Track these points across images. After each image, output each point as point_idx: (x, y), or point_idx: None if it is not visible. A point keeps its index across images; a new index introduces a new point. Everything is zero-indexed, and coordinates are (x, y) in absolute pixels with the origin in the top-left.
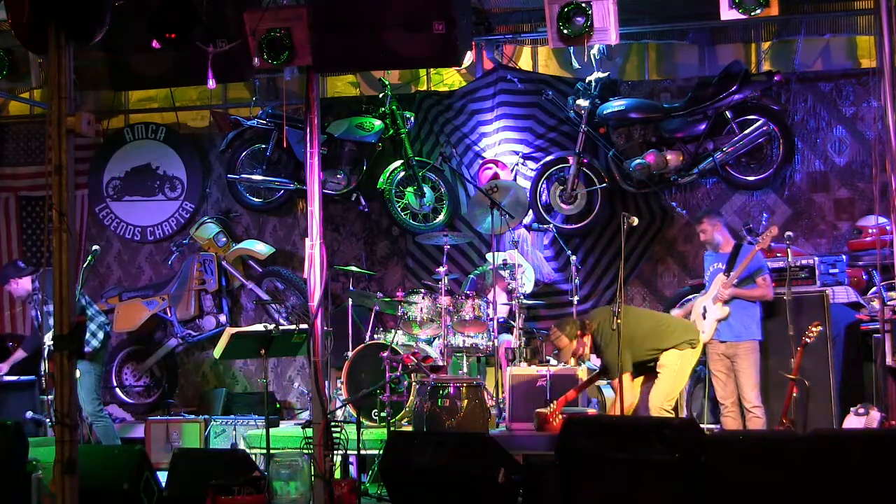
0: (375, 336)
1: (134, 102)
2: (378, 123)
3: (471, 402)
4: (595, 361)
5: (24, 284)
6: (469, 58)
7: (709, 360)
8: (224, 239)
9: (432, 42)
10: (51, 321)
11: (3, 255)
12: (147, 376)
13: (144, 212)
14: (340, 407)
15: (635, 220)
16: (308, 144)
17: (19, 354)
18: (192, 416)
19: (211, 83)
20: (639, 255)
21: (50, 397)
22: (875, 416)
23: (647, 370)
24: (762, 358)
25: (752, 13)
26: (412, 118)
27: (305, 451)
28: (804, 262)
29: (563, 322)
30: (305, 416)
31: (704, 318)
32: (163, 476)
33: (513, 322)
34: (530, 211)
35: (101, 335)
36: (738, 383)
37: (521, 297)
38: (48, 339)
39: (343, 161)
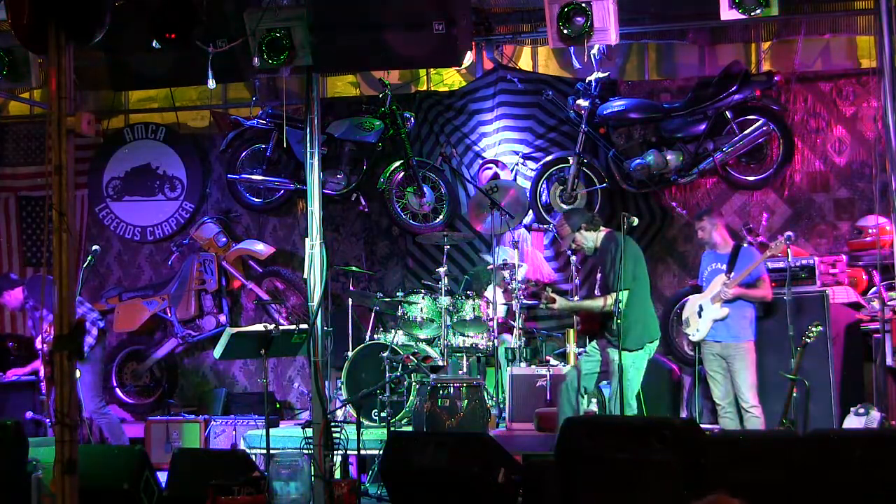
0: (375, 336)
1: (134, 102)
2: (378, 123)
3: (471, 402)
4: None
5: (15, 295)
6: (469, 58)
7: (704, 360)
8: (224, 239)
9: (432, 42)
10: (44, 326)
11: (3, 255)
12: (147, 376)
13: (144, 212)
14: (340, 407)
15: (635, 220)
16: (308, 144)
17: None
18: (192, 416)
19: (211, 83)
20: None
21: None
22: (875, 416)
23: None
24: (761, 358)
25: (752, 13)
26: (412, 118)
27: (305, 451)
28: (804, 262)
29: (573, 211)
30: (305, 416)
31: (700, 317)
32: (163, 476)
33: (513, 322)
34: (530, 211)
35: (94, 332)
36: (735, 384)
37: (521, 297)
38: (38, 343)
39: (343, 161)
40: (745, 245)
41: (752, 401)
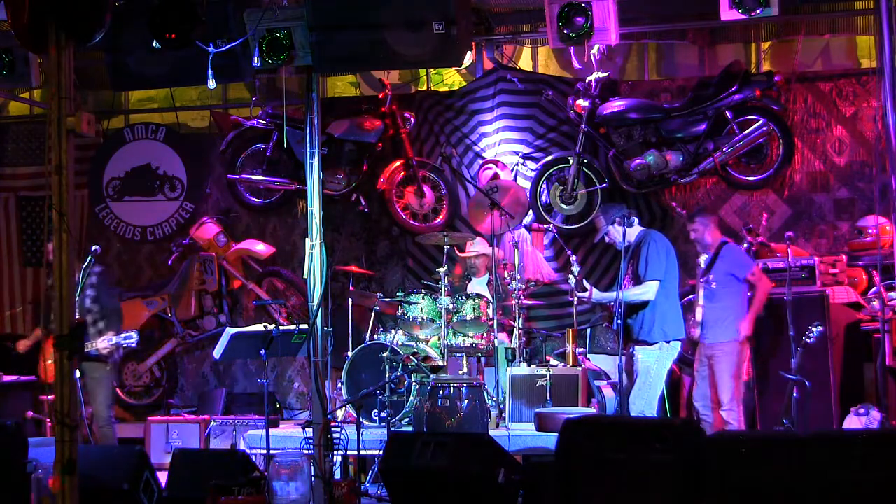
0: (375, 336)
1: (134, 102)
2: (378, 123)
3: (471, 402)
4: (602, 365)
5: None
6: (469, 58)
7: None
8: (224, 239)
9: (432, 42)
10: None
11: (3, 255)
12: (147, 376)
13: (144, 212)
14: (340, 407)
15: (635, 220)
16: (308, 144)
17: None
18: (192, 416)
19: (211, 83)
20: None
21: (51, 397)
22: (875, 416)
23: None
24: (762, 358)
25: (752, 13)
26: (412, 118)
27: (305, 452)
28: (804, 262)
29: (610, 206)
30: (305, 416)
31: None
32: (163, 476)
33: (513, 322)
34: (530, 211)
35: (121, 352)
36: (715, 384)
37: (521, 297)
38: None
39: (343, 161)
40: (729, 244)
41: (726, 403)
